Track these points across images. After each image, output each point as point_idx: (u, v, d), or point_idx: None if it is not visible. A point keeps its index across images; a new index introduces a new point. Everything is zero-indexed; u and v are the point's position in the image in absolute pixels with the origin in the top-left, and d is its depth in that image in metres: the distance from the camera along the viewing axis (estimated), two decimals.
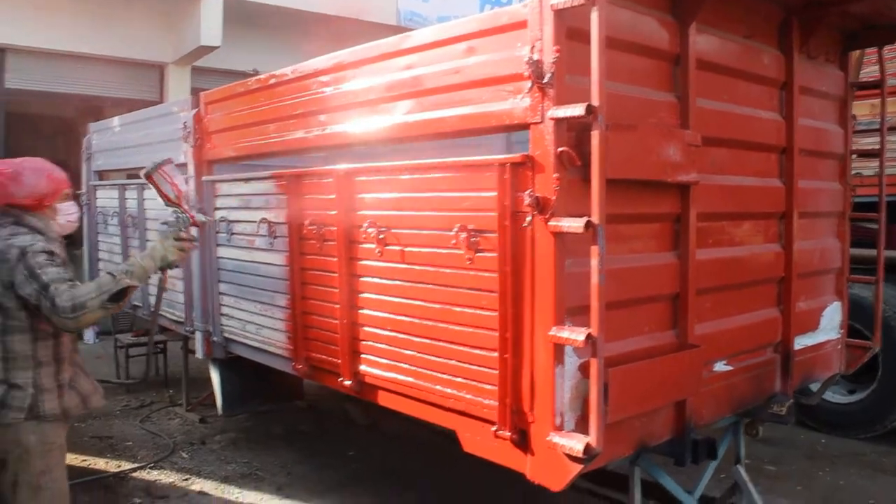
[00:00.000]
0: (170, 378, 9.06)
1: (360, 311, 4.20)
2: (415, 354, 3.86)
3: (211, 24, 10.96)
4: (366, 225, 4.03)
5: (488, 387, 3.49)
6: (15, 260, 3.14)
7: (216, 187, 5.59)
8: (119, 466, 6.35)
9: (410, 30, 4.21)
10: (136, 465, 6.35)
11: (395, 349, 3.99)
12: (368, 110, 4.10)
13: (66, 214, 3.57)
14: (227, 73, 11.64)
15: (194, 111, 5.83)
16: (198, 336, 5.97)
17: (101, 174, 8.35)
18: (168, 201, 3.62)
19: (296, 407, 7.41)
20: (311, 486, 5.87)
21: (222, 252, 5.58)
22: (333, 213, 4.29)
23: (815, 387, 5.22)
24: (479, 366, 3.53)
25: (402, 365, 3.95)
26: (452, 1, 12.86)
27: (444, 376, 3.70)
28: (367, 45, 4.12)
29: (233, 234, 5.39)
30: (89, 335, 10.83)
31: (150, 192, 6.88)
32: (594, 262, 3.08)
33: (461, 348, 3.61)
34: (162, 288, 3.70)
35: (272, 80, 4.88)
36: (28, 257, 3.14)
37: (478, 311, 3.52)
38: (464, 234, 3.52)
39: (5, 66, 11.14)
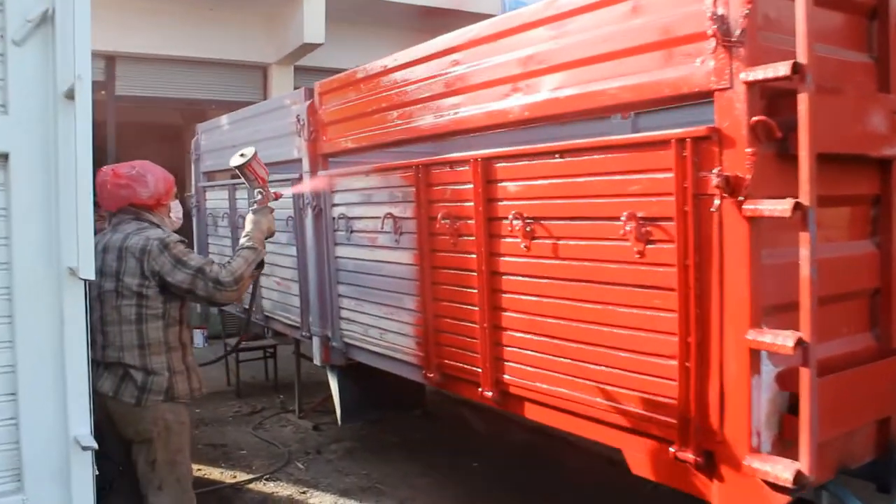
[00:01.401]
0: (280, 383, 8.82)
1: (504, 314, 3.76)
2: (571, 362, 3.40)
3: (314, 21, 10.74)
4: (511, 217, 3.58)
5: (665, 400, 3.00)
6: (158, 251, 3.37)
7: (333, 182, 5.24)
8: (234, 477, 6.09)
9: None
10: (251, 476, 6.08)
11: (546, 356, 3.54)
12: (509, 88, 3.65)
13: (176, 212, 4.02)
14: (330, 71, 11.21)
15: (308, 103, 5.51)
16: (315, 341, 5.64)
17: (210, 175, 8.17)
18: (261, 183, 3.86)
19: (411, 414, 7.04)
20: (435, 501, 5.47)
21: (341, 251, 5.23)
22: (470, 204, 3.87)
23: None
24: (653, 375, 3.04)
25: (554, 374, 3.49)
26: None
27: (608, 387, 3.23)
28: (506, 15, 3.69)
29: (352, 231, 5.03)
30: (199, 339, 10.74)
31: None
32: (804, 252, 2.57)
33: (629, 355, 3.13)
34: (257, 284, 4.02)
35: (395, 63, 4.49)
36: (171, 248, 3.40)
37: (651, 313, 3.03)
38: (632, 224, 3.03)
39: (115, 74, 11.17)
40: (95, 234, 2.86)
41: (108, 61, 11.05)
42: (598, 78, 3.20)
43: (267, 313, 6.65)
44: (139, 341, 3.39)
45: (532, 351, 3.62)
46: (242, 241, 3.67)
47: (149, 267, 3.35)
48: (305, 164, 5.50)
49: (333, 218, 5.24)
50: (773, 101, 2.74)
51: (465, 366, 4.05)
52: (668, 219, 2.92)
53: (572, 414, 3.44)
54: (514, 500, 5.42)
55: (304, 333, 5.83)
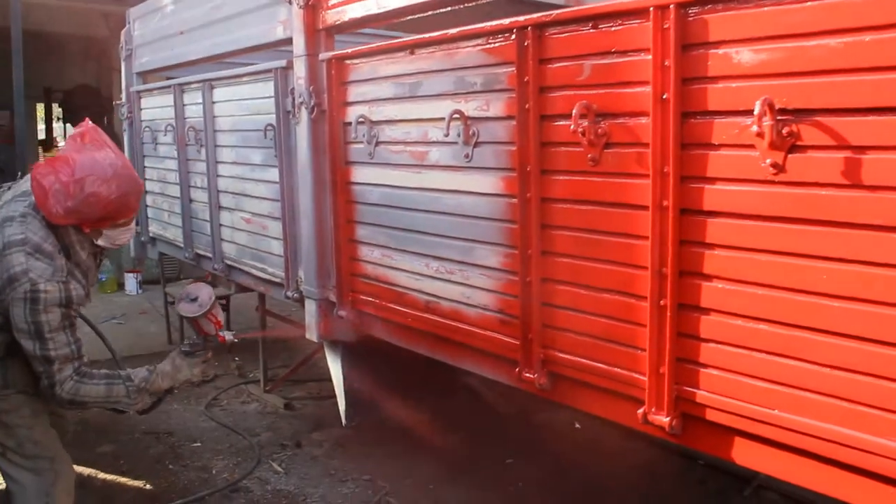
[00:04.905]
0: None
1: (707, 285, 2.12)
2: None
3: None
4: (759, 109, 1.88)
5: None
6: (21, 298, 2.64)
7: (347, 69, 3.47)
8: (186, 489, 4.40)
9: None
10: (209, 489, 4.39)
11: (813, 367, 1.91)
12: None
13: (115, 238, 2.95)
14: None
15: None
16: (310, 307, 3.91)
17: (147, 76, 6.25)
18: (217, 329, 3.20)
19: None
20: None
21: (360, 174, 3.48)
22: (643, 90, 2.18)
23: None
24: None
25: (835, 401, 1.87)
26: None
27: None
28: None
29: (380, 143, 3.29)
30: (132, 285, 8.92)
31: (223, 92, 4.85)
32: None
33: None
34: None
35: None
36: (39, 308, 2.64)
37: None
38: None
39: None
40: None
41: None
42: None
43: (229, 261, 4.88)
44: None
45: (773, 354, 1.99)
46: (139, 377, 2.92)
47: (5, 298, 2.66)
48: (299, 45, 3.69)
49: (347, 123, 3.48)
50: None
51: (609, 367, 2.40)
52: None
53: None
54: None
55: (289, 293, 4.10)
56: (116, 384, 2.85)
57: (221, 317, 3.28)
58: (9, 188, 3.06)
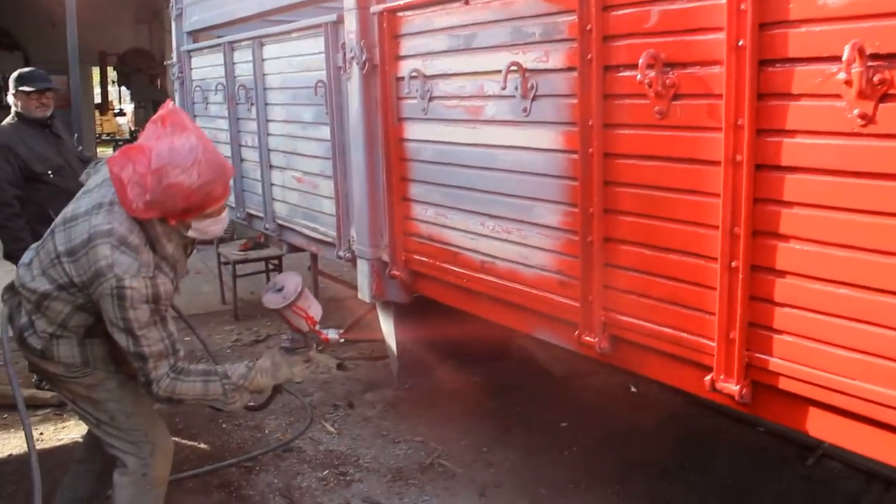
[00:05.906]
0: None
1: (783, 246, 2.00)
2: None
3: None
4: (848, 55, 1.74)
5: None
6: (108, 294, 2.52)
7: (399, 21, 3.37)
8: (240, 448, 4.41)
9: None
10: (262, 448, 4.39)
11: None
12: None
13: (205, 229, 2.72)
14: None
15: None
16: (362, 267, 3.86)
17: (197, 35, 6.22)
18: (311, 325, 2.87)
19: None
20: (529, 490, 3.86)
21: (413, 130, 3.39)
22: (716, 37, 2.04)
23: None
24: None
25: None
26: None
27: None
28: None
29: (434, 98, 3.19)
30: None
31: (273, 49, 4.78)
32: None
33: None
34: None
35: None
36: (126, 304, 2.51)
37: None
38: None
39: None
40: None
41: None
42: None
43: (281, 221, 4.85)
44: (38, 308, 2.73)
45: (854, 321, 1.88)
46: (237, 374, 2.71)
47: (94, 293, 2.57)
48: None
49: (400, 78, 3.39)
50: None
51: (675, 332, 2.30)
52: None
53: None
54: (635, 479, 3.87)
55: (341, 253, 4.05)
56: (213, 381, 2.68)
57: (315, 311, 2.91)
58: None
